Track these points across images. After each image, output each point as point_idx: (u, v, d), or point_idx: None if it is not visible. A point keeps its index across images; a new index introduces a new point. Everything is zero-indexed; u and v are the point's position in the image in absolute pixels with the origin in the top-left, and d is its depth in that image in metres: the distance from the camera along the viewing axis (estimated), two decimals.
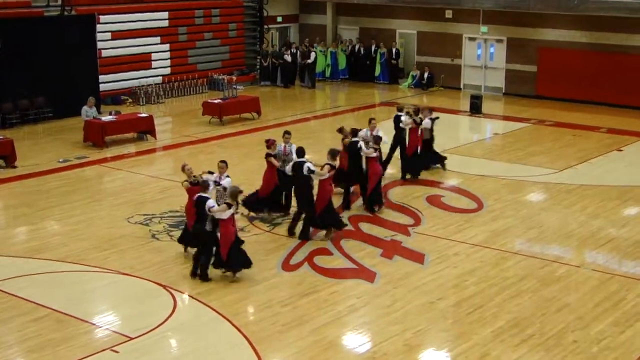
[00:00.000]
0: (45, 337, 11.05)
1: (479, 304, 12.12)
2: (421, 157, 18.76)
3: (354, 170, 16.36)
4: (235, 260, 12.85)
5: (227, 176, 14.13)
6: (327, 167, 14.60)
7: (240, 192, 13.19)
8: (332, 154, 14.93)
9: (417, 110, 19.06)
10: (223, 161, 14.25)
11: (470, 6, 29.79)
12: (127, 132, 22.87)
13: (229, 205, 12.67)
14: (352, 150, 16.16)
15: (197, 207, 12.85)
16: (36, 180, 18.79)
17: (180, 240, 14.03)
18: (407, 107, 20.06)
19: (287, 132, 16.06)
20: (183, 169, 13.87)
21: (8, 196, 17.71)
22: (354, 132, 16.46)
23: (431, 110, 19.51)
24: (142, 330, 11.21)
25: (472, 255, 14.14)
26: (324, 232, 14.91)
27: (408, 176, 18.48)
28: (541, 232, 15.40)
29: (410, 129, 18.55)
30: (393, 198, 17.25)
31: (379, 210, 16.22)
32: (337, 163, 15.17)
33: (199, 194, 12.89)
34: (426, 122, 18.81)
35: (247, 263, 12.98)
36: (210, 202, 12.74)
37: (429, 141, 19.04)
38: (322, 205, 14.56)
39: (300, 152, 14.76)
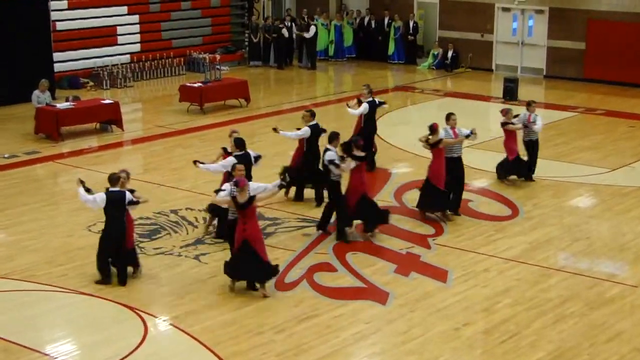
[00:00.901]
0: None
1: (514, 331, 12.17)
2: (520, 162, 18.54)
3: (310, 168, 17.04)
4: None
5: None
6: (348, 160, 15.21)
7: (120, 178, 13.56)
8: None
9: (369, 89, 19.55)
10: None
11: None
12: (87, 122, 22.94)
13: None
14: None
15: (113, 205, 13.34)
16: None
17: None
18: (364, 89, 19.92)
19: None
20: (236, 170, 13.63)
21: None
22: (311, 114, 17.16)
23: (533, 102, 18.95)
24: None
25: (505, 272, 14.19)
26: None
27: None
28: (589, 245, 15.45)
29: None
30: (409, 203, 17.31)
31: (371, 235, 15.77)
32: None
33: (110, 189, 13.39)
34: (539, 123, 18.44)
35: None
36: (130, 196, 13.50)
37: (535, 144, 18.66)
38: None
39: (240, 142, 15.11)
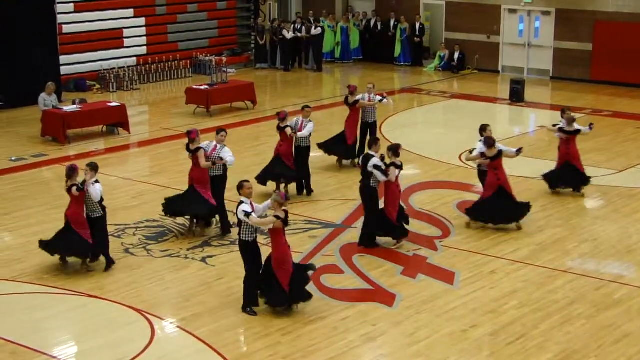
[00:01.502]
0: None
1: (521, 332, 12.18)
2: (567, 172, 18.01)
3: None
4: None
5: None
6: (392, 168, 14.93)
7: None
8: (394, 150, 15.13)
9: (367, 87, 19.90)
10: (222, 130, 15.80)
11: None
12: (94, 125, 23.00)
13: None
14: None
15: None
16: None
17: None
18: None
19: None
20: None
21: None
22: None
23: (568, 110, 18.31)
24: None
25: (512, 274, 14.21)
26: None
27: None
28: (596, 246, 15.46)
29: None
30: (416, 205, 17.32)
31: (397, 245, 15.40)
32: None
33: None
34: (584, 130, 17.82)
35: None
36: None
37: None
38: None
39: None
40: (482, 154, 16.06)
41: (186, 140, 15.98)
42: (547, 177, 18.15)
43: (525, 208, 16.20)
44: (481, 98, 27.74)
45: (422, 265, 14.54)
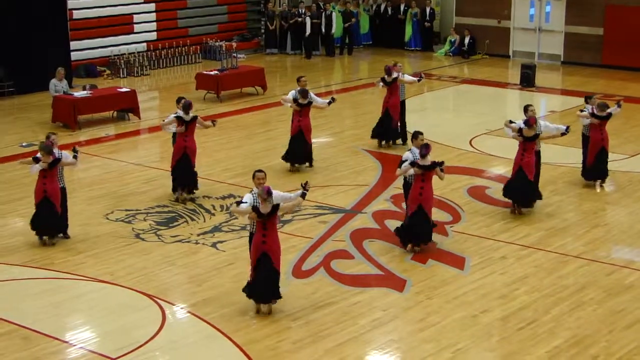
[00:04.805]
0: (8, 357, 11.16)
1: (532, 318, 12.17)
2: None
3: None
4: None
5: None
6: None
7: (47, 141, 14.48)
8: None
9: (388, 70, 19.64)
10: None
11: None
12: (104, 111, 23.03)
13: (36, 160, 14.37)
14: None
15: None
16: None
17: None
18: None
19: None
20: None
21: None
22: None
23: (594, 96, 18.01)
24: (124, 349, 11.29)
25: (523, 259, 14.19)
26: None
27: None
28: (607, 231, 15.42)
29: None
30: None
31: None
32: None
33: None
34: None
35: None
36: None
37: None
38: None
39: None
40: (520, 131, 15.59)
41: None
42: (589, 172, 17.64)
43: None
44: (492, 83, 27.68)
45: (433, 250, 14.52)
